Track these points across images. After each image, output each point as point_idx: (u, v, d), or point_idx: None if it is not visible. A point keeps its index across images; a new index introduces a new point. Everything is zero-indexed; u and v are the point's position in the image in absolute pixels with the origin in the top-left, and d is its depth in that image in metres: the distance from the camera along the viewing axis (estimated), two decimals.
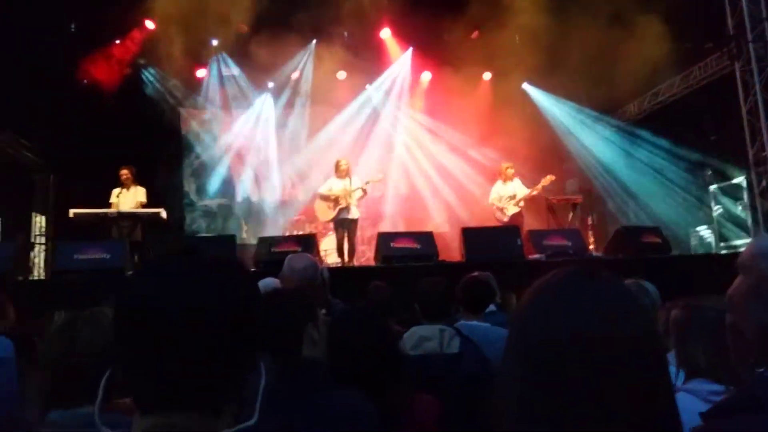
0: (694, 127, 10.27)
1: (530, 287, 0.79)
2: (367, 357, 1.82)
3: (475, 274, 3.36)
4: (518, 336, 0.76)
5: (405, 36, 12.19)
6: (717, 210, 10.12)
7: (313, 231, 9.85)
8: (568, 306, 0.72)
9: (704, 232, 10.40)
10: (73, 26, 10.80)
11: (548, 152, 11.59)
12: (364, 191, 8.44)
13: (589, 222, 9.61)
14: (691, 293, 2.16)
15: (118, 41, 11.22)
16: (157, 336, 0.78)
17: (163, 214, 7.84)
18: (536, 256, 6.68)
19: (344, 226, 8.23)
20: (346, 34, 11.45)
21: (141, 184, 8.27)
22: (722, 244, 9.86)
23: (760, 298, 1.13)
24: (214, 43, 11.57)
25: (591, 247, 8.63)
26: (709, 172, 10.29)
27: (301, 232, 10.09)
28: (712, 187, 10.28)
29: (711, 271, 5.81)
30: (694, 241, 10.52)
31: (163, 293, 0.80)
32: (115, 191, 8.06)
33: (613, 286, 0.75)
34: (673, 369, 1.98)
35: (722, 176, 10.08)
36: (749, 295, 1.16)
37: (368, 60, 11.90)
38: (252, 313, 0.86)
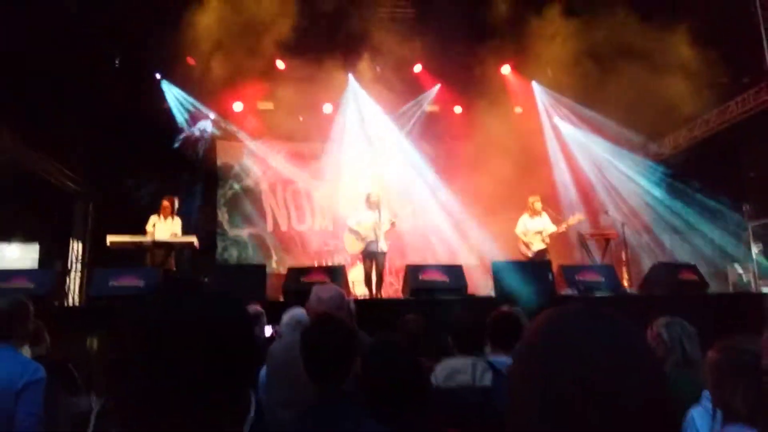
0: (731, 163, 10.06)
1: (535, 322, 0.78)
2: (398, 389, 1.81)
3: (505, 309, 3.31)
4: (523, 375, 0.74)
5: (436, 71, 12.33)
6: (756, 248, 9.83)
7: (342, 262, 9.88)
8: (574, 348, 0.70)
9: (742, 270, 10.08)
10: (117, 61, 11.24)
11: (582, 186, 11.48)
12: (393, 224, 8.44)
13: (623, 257, 9.39)
14: (729, 332, 2.09)
15: (159, 75, 11.66)
16: (151, 365, 0.79)
17: (196, 243, 7.98)
18: (568, 291, 6.57)
19: (372, 257, 8.21)
20: (378, 69, 11.65)
21: (178, 215, 8.45)
22: (761, 283, 9.54)
23: None
24: (252, 76, 11.88)
25: (625, 283, 8.44)
26: (747, 209, 10.03)
27: (330, 263, 10.12)
28: (751, 224, 10.00)
29: (749, 310, 5.63)
30: (731, 279, 10.20)
31: (156, 324, 0.82)
32: (152, 219, 8.25)
33: (622, 327, 0.73)
34: (708, 405, 1.91)
35: (761, 213, 9.81)
36: None
37: (400, 94, 12.05)
38: (242, 349, 0.86)
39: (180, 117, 12.09)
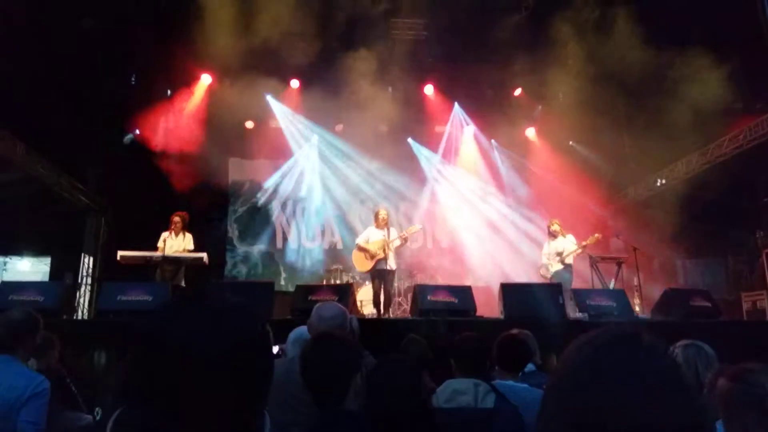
0: (745, 189, 9.97)
1: (570, 347, 0.76)
2: (400, 408, 1.78)
3: (513, 332, 3.27)
4: (557, 402, 0.72)
5: (448, 92, 12.41)
6: None
7: (351, 280, 9.86)
8: (612, 377, 0.69)
9: (756, 297, 9.93)
10: (133, 78, 11.42)
11: (594, 209, 11.43)
12: (404, 240, 8.44)
13: (635, 282, 9.28)
14: (741, 361, 2.04)
15: (174, 92, 11.82)
16: (174, 379, 0.79)
17: (205, 258, 8.00)
18: (579, 315, 6.49)
19: (381, 276, 8.19)
20: (390, 89, 11.73)
21: (189, 231, 8.48)
22: None
23: None
24: (266, 96, 12.02)
25: (636, 308, 8.33)
26: (761, 235, 9.91)
27: (338, 281, 10.09)
28: (765, 251, 9.87)
29: (765, 339, 5.52)
30: (746, 306, 10.04)
31: (184, 338, 0.81)
32: (164, 235, 8.28)
33: (661, 358, 0.72)
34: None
35: None
36: None
37: (411, 114, 12.12)
38: (260, 369, 0.86)
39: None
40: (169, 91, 11.78)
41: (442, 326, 5.82)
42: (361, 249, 8.34)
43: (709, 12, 8.93)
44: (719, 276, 10.06)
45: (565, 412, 0.71)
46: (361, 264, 8.36)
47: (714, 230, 10.33)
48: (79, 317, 10.06)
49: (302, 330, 3.40)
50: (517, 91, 12.15)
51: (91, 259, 11.59)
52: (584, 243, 8.64)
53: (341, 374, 1.76)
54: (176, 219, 8.37)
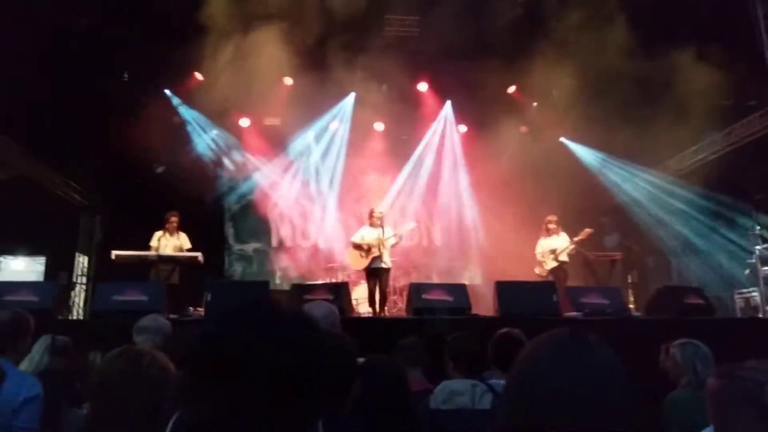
0: (737, 186, 10.03)
1: (523, 350, 0.79)
2: (385, 411, 1.77)
3: (506, 330, 3.29)
4: (509, 401, 0.76)
5: (442, 89, 12.42)
6: (764, 271, 9.74)
7: (346, 279, 9.87)
8: (555, 369, 0.72)
9: (750, 294, 9.99)
10: (126, 74, 11.36)
11: (587, 207, 11.45)
12: (399, 238, 8.45)
13: (629, 280, 9.34)
14: (735, 358, 2.05)
15: (167, 90, 11.77)
16: (233, 385, 0.80)
17: (201, 258, 7.99)
18: (572, 313, 6.52)
19: (376, 275, 8.20)
20: (384, 86, 11.72)
21: (184, 230, 8.46)
22: None
23: None
24: (258, 93, 11.98)
25: (631, 306, 8.37)
26: (755, 233, 9.96)
27: (333, 280, 10.10)
28: (758, 248, 9.93)
29: (757, 335, 5.57)
30: (739, 304, 10.10)
31: (240, 345, 0.82)
32: (157, 234, 8.26)
33: (600, 350, 0.74)
34: None
35: None
36: None
37: (405, 112, 12.12)
38: (321, 370, 0.87)
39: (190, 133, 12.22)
40: (163, 89, 11.73)
41: (438, 324, 5.83)
42: (356, 247, 8.35)
43: (702, 10, 8.97)
44: (714, 273, 10.10)
45: (515, 410, 0.75)
46: (357, 262, 8.38)
47: (707, 228, 10.39)
48: (74, 318, 10.02)
49: None
50: (511, 89, 12.16)
51: (86, 258, 11.55)
52: (576, 238, 8.71)
53: (341, 377, 1.75)
54: (173, 218, 8.36)
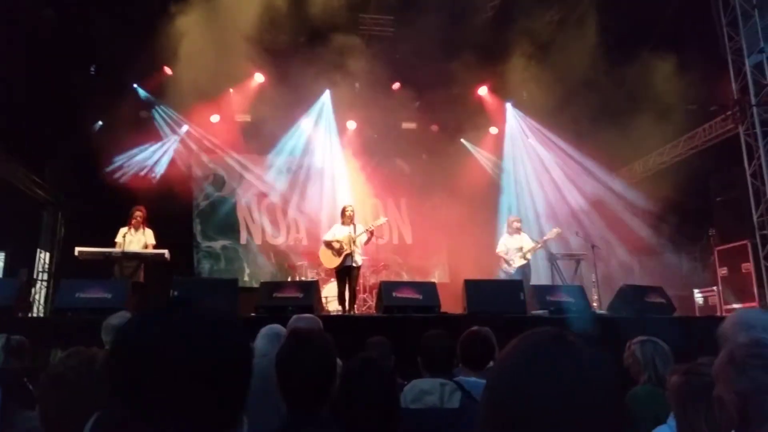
0: (699, 188, 10.32)
1: (503, 350, 0.80)
2: (373, 411, 1.76)
3: (475, 329, 3.33)
4: (491, 395, 0.76)
5: (414, 89, 12.46)
6: (722, 271, 10.06)
7: (316, 277, 9.83)
8: (538, 370, 0.73)
9: (708, 293, 10.30)
10: (92, 68, 11.10)
11: (553, 207, 11.66)
12: (370, 234, 8.44)
13: (593, 279, 9.54)
14: (694, 355, 2.13)
15: (135, 84, 11.54)
16: (148, 386, 0.79)
17: (167, 255, 7.84)
18: (539, 311, 6.63)
19: (347, 273, 8.18)
20: (357, 85, 11.71)
21: (149, 226, 8.30)
22: (726, 307, 9.75)
23: (735, 367, 1.13)
24: (230, 90, 11.85)
25: (594, 304, 8.55)
26: (714, 233, 10.28)
27: (303, 278, 10.05)
28: (717, 249, 10.25)
29: (714, 333, 5.73)
30: (698, 302, 10.41)
31: (157, 344, 0.82)
32: (122, 231, 8.07)
33: (583, 350, 0.76)
34: (674, 426, 1.94)
35: (727, 238, 10.07)
36: (726, 365, 1.17)
37: (379, 111, 12.13)
38: (240, 368, 0.87)
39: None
40: (131, 83, 11.50)
41: (407, 323, 5.87)
42: (329, 245, 8.30)
43: (666, 15, 9.21)
44: (674, 273, 10.38)
45: (496, 412, 0.75)
46: (329, 261, 8.34)
47: (669, 228, 10.67)
48: (35, 315, 9.76)
49: (273, 327, 3.37)
50: (482, 90, 12.29)
51: (48, 255, 11.25)
52: (545, 237, 8.88)
53: (322, 378, 1.73)
54: (138, 213, 8.17)
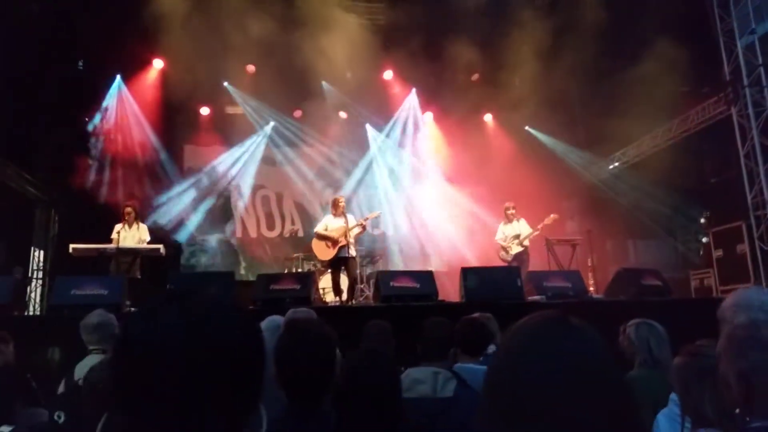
0: (693, 170, 10.33)
1: (505, 335, 0.79)
2: (377, 405, 1.73)
3: (474, 315, 3.33)
4: (494, 377, 0.76)
5: (407, 78, 12.41)
6: (717, 253, 10.10)
7: (312, 269, 9.82)
8: (541, 353, 0.72)
9: (703, 275, 10.35)
10: (81, 63, 10.99)
11: (549, 192, 11.65)
12: (363, 227, 8.43)
13: (589, 263, 9.57)
14: (692, 337, 2.14)
15: (124, 78, 11.44)
16: (157, 381, 0.77)
17: (162, 250, 7.81)
18: (536, 297, 6.64)
19: (342, 264, 8.17)
20: (349, 75, 11.64)
21: (143, 221, 8.26)
22: (722, 288, 9.80)
23: (736, 346, 1.13)
24: (223, 82, 11.77)
25: (591, 288, 8.58)
26: (709, 215, 10.31)
27: (300, 270, 10.04)
28: (712, 230, 10.28)
29: (712, 315, 5.76)
30: (693, 284, 10.46)
31: (164, 337, 0.80)
32: (117, 227, 8.04)
33: (586, 333, 0.75)
34: (676, 410, 1.95)
35: (723, 219, 10.09)
36: (727, 345, 1.17)
37: (370, 101, 12.08)
38: (253, 356, 0.85)
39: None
40: (119, 77, 11.40)
41: (405, 311, 5.87)
42: (322, 237, 8.27)
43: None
44: (671, 255, 10.42)
45: (500, 394, 0.74)
46: (323, 252, 8.31)
47: (664, 211, 10.69)
48: (31, 313, 9.73)
49: (273, 319, 3.35)
50: (475, 77, 12.24)
51: (42, 252, 11.19)
52: (543, 223, 8.90)
53: (323, 370, 1.69)
54: (128, 210, 8.14)
